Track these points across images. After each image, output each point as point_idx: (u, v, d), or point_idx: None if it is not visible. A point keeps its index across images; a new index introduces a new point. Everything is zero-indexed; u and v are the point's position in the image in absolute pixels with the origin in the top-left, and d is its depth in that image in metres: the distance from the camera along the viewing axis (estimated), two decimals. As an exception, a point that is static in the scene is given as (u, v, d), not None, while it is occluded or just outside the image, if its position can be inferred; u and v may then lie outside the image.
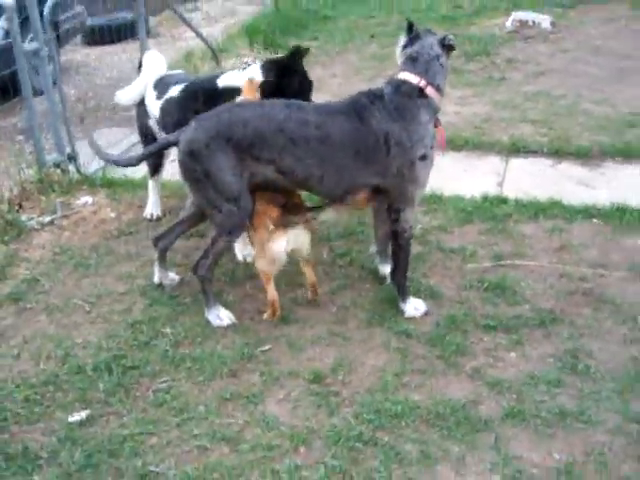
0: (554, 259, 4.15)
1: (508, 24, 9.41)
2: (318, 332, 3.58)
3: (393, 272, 3.75)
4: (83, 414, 3.07)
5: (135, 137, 6.30)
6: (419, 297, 3.79)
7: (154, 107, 4.34)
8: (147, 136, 4.57)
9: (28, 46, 4.99)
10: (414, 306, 3.69)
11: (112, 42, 10.06)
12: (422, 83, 3.48)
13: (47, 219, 4.79)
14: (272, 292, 3.60)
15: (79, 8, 9.53)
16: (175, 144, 3.51)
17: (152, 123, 4.46)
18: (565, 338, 3.47)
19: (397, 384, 3.20)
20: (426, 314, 3.67)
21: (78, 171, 5.44)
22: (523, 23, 9.35)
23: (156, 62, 4.57)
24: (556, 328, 3.55)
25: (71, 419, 3.05)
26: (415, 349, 3.44)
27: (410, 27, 3.61)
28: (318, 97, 4.33)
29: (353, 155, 3.43)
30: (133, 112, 7.24)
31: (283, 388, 3.21)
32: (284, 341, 3.52)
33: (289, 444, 2.89)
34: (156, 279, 3.99)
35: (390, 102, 3.46)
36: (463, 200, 4.87)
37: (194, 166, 3.41)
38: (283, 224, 3.45)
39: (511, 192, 4.98)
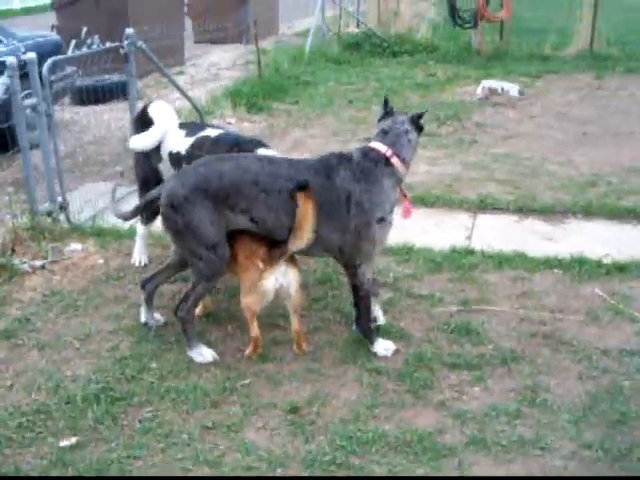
0: (516, 305, 4.45)
1: (478, 91, 9.93)
2: (295, 368, 3.82)
3: (357, 320, 4.02)
4: (73, 439, 3.27)
5: (122, 190, 6.62)
6: (389, 338, 4.05)
7: (180, 145, 4.58)
8: (149, 182, 4.75)
9: (27, 101, 5.29)
10: (383, 347, 3.94)
11: (98, 102, 10.43)
12: (388, 153, 3.75)
13: (38, 263, 5.02)
14: (255, 329, 3.84)
15: (69, 69, 9.93)
16: (158, 198, 3.78)
17: (163, 167, 4.74)
18: (525, 375, 3.74)
19: (368, 415, 3.44)
20: (396, 352, 3.92)
21: (68, 220, 5.69)
22: (492, 91, 9.88)
23: (167, 110, 4.87)
24: (517, 366, 3.82)
25: (61, 444, 3.25)
26: (385, 384, 3.68)
27: (385, 103, 3.94)
28: (296, 155, 4.67)
29: (318, 209, 3.64)
30: (118, 168, 7.67)
31: (262, 418, 3.43)
32: (263, 376, 3.75)
33: (267, 467, 3.11)
34: (142, 319, 4.21)
35: (357, 165, 3.73)
36: (433, 251, 5.18)
37: (175, 218, 3.66)
38: (271, 262, 3.71)
39: (478, 245, 5.31)
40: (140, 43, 6.82)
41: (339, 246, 3.80)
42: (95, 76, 10.83)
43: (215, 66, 13.60)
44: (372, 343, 3.93)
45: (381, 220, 3.75)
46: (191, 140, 4.57)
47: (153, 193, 3.88)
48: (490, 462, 3.14)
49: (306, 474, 3.05)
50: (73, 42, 6.73)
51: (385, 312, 4.31)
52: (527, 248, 5.19)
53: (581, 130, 8.31)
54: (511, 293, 4.60)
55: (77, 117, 10.59)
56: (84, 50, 6.79)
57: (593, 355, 3.89)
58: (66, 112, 10.84)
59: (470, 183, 6.67)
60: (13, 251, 5.17)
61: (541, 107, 9.45)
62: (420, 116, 3.90)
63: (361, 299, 3.92)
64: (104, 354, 3.96)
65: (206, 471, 3.08)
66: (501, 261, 5.00)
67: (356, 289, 3.91)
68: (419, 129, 3.90)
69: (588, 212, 5.91)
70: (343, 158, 3.78)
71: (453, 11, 12.98)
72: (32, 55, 5.35)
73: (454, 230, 5.68)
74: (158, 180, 4.69)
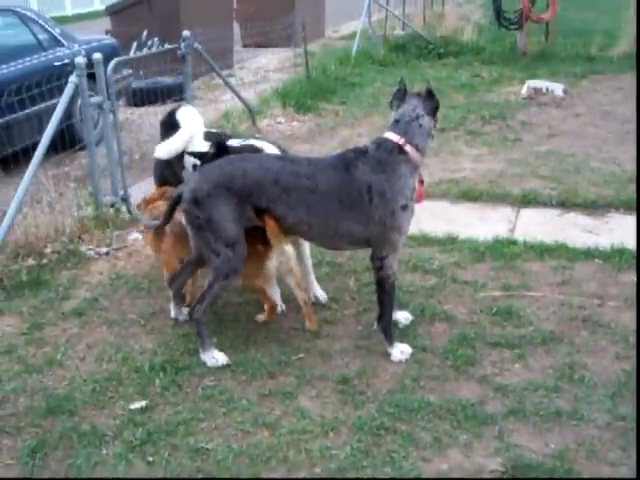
0: (557, 291, 4.63)
1: (523, 91, 10.07)
2: (345, 345, 4.08)
3: (379, 318, 4.01)
4: (143, 403, 3.57)
5: (178, 185, 6.96)
6: (434, 321, 4.29)
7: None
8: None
9: (93, 99, 5.66)
10: (400, 350, 3.94)
11: (152, 104, 10.85)
12: (401, 141, 3.78)
13: (103, 250, 5.37)
14: (270, 300, 4.23)
15: (125, 72, 10.36)
16: (180, 197, 3.85)
17: (187, 174, 4.68)
18: (564, 354, 3.94)
19: (414, 387, 3.69)
20: (441, 332, 4.16)
21: (129, 211, 6.04)
22: (537, 90, 10.00)
23: (194, 116, 4.79)
24: (556, 346, 4.02)
25: (132, 406, 3.56)
26: (430, 360, 3.92)
27: (399, 90, 3.93)
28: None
29: (338, 204, 3.74)
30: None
31: (314, 388, 3.70)
32: (315, 351, 4.02)
33: (320, 430, 3.37)
34: (172, 314, 4.39)
35: (373, 157, 3.77)
36: (476, 242, 5.39)
37: (197, 213, 3.73)
38: (269, 245, 3.97)
39: (520, 236, 5.49)
40: (196, 45, 7.18)
41: (366, 238, 3.86)
42: (149, 79, 11.28)
43: (263, 69, 13.95)
44: (391, 345, 3.95)
45: (404, 207, 3.79)
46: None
47: (177, 191, 3.95)
48: (529, 431, 3.35)
49: (356, 438, 3.30)
50: (135, 44, 7.11)
51: (430, 296, 4.55)
52: (568, 240, 5.36)
53: (625, 129, 8.41)
54: (552, 281, 4.78)
55: (132, 117, 11.01)
56: (145, 51, 7.11)
57: (630, 337, 4.06)
58: (121, 113, 11.31)
59: (514, 179, 6.84)
60: (80, 239, 5.53)
61: (585, 106, 9.56)
62: (430, 94, 3.88)
63: (386, 293, 3.94)
64: (168, 330, 4.27)
65: (264, 433, 3.35)
66: (542, 251, 5.18)
67: (382, 282, 3.93)
68: (434, 109, 3.90)
69: (629, 207, 6.03)
70: (359, 152, 3.84)
71: (498, 13, 13.13)
72: (99, 55, 5.71)
73: (497, 223, 5.87)
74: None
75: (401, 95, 3.91)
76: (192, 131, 4.70)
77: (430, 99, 3.89)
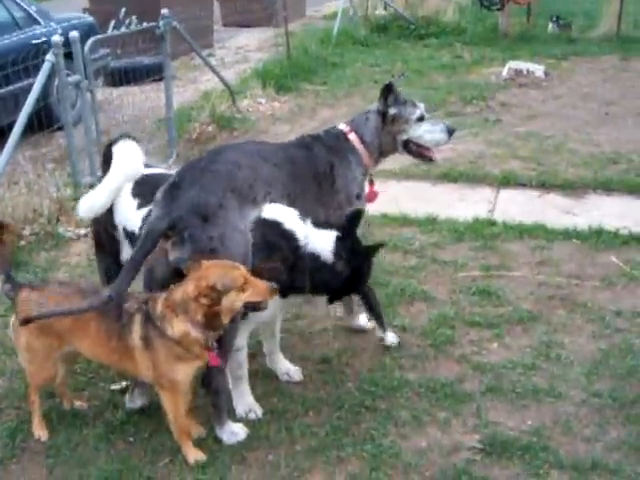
0: (535, 271, 4.68)
1: (504, 73, 10.07)
2: (325, 326, 4.10)
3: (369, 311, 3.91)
4: (123, 384, 3.57)
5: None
6: (414, 301, 4.32)
7: (132, 218, 3.43)
8: (104, 247, 3.69)
9: (71, 79, 5.60)
10: (393, 334, 3.93)
11: (130, 84, 10.75)
12: (346, 129, 3.68)
13: (82, 232, 5.34)
14: None
15: (103, 51, 10.24)
16: (171, 225, 2.99)
17: (120, 235, 3.55)
18: (541, 333, 3.99)
19: (394, 366, 3.72)
20: (420, 312, 4.19)
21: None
22: (518, 72, 10.01)
23: (131, 157, 3.58)
24: (534, 325, 4.07)
25: (113, 387, 3.56)
26: (410, 339, 3.95)
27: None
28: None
29: (310, 181, 3.49)
30: (151, 145, 7.96)
31: (295, 367, 3.71)
32: (296, 332, 4.04)
33: (301, 408, 3.40)
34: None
35: (325, 142, 3.62)
36: (456, 222, 5.42)
37: (210, 232, 3.00)
38: None
39: (500, 217, 5.52)
40: (175, 24, 7.11)
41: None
42: (127, 58, 11.16)
43: (243, 48, 13.84)
44: (384, 331, 3.88)
45: (358, 196, 3.65)
46: (141, 214, 3.39)
47: (153, 228, 3.01)
48: (506, 408, 3.40)
49: (336, 416, 3.33)
50: (112, 22, 7.03)
51: (411, 276, 4.58)
52: (547, 220, 5.40)
53: (604, 110, 8.45)
54: (530, 261, 4.82)
55: (110, 98, 10.89)
56: (123, 30, 7.04)
57: (607, 316, 4.11)
58: (100, 93, 11.19)
59: (493, 160, 6.86)
60: (58, 220, 5.50)
61: (566, 88, 9.59)
62: (385, 91, 3.68)
63: (366, 293, 3.79)
64: (148, 311, 4.26)
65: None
66: (522, 232, 5.22)
67: None
68: (386, 106, 3.69)
69: (608, 188, 6.09)
70: (314, 137, 3.68)
71: (480, -7, 13.10)
72: (75, 34, 5.64)
73: (477, 204, 5.89)
74: (113, 252, 3.63)
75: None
76: (127, 177, 3.54)
77: (383, 96, 3.69)
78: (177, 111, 7.75)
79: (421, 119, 3.74)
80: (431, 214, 5.52)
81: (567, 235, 5.16)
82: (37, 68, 5.60)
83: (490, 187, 6.25)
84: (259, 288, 2.88)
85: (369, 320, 4.05)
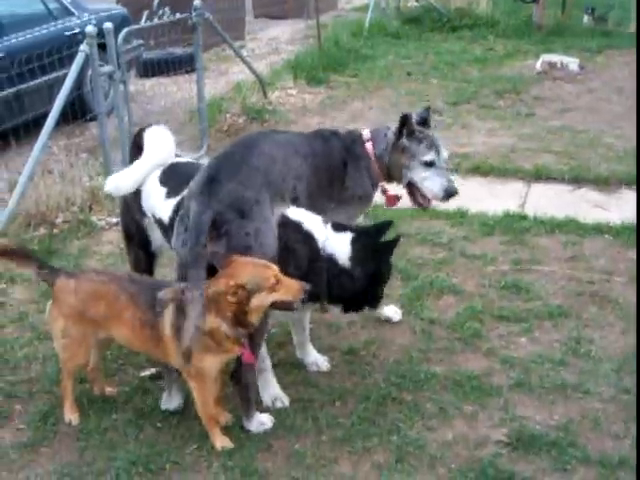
0: (566, 266, 4.64)
1: (538, 66, 9.96)
2: (353, 317, 4.08)
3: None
4: (153, 370, 3.62)
5: (187, 158, 6.96)
6: (442, 294, 4.32)
7: (160, 207, 3.45)
8: (133, 239, 3.75)
9: (104, 69, 5.66)
10: (394, 310, 4.03)
11: (162, 75, 10.82)
12: (366, 136, 3.66)
13: (114, 220, 5.40)
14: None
15: (135, 42, 10.32)
16: (213, 220, 2.96)
17: (149, 224, 3.59)
18: (571, 328, 3.95)
19: (421, 358, 3.72)
20: (449, 305, 4.19)
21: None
22: (552, 65, 9.89)
23: (163, 142, 3.62)
24: (563, 320, 4.03)
25: (142, 374, 3.61)
26: (438, 332, 3.95)
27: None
28: (357, 126, 4.83)
29: (324, 173, 3.47)
30: (183, 136, 8.02)
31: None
32: (324, 323, 4.05)
33: (327, 398, 3.42)
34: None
35: (343, 139, 3.62)
36: (486, 216, 5.39)
37: (247, 228, 2.98)
38: None
39: (531, 211, 5.48)
40: (207, 15, 7.14)
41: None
42: (159, 49, 11.25)
43: (275, 40, 13.85)
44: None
45: (360, 198, 3.65)
46: (172, 203, 3.41)
47: (199, 221, 2.95)
48: (533, 403, 3.38)
49: (362, 406, 3.34)
50: (145, 13, 7.08)
51: (439, 270, 4.57)
52: (579, 215, 5.35)
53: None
54: (561, 256, 4.78)
55: (143, 89, 11.00)
56: (155, 21, 7.08)
57: (637, 313, 4.06)
58: (132, 84, 11.29)
59: (526, 154, 6.80)
60: (91, 209, 5.57)
61: (600, 82, 9.45)
62: (404, 120, 3.61)
63: None
64: (177, 300, 4.30)
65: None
66: (553, 226, 5.18)
67: None
68: (399, 135, 3.62)
69: (642, 183, 6.01)
70: (332, 132, 3.69)
71: (514, -15, 12.96)
72: (109, 25, 5.69)
73: (508, 198, 5.85)
74: (143, 242, 3.71)
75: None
76: (157, 163, 3.57)
77: (402, 123, 3.62)
78: (208, 102, 7.78)
79: (430, 164, 3.60)
80: (461, 208, 5.48)
81: (599, 230, 5.10)
82: (71, 59, 5.65)
83: (522, 181, 6.20)
84: (291, 288, 2.87)
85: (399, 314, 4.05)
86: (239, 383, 3.15)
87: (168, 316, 3.00)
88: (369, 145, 3.65)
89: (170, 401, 3.35)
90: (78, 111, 6.36)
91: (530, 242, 4.97)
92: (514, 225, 5.21)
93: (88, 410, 3.37)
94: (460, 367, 3.63)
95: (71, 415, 3.32)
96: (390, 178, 3.74)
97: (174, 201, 3.37)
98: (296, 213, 3.25)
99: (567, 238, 5.02)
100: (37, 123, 5.72)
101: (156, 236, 3.61)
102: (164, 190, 3.45)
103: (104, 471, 3.02)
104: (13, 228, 5.11)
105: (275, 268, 2.88)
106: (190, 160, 3.86)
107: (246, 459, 3.05)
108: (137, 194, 3.54)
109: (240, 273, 2.83)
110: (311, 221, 3.24)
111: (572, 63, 9.92)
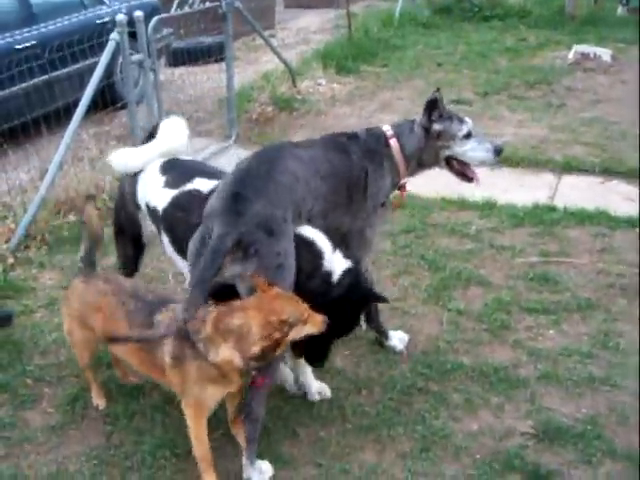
0: (595, 258, 4.59)
1: (570, 56, 9.84)
2: (381, 306, 4.08)
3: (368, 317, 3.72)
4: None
5: (216, 146, 7.01)
6: (469, 285, 4.29)
7: (156, 196, 3.36)
8: (124, 231, 3.68)
9: (134, 57, 5.69)
10: (398, 338, 3.78)
11: (192, 64, 10.86)
12: (389, 132, 3.46)
13: (143, 208, 5.43)
14: None
15: (166, 31, 10.37)
16: (238, 241, 2.76)
17: (141, 216, 3.51)
18: (600, 321, 3.91)
19: (448, 349, 3.71)
20: (476, 296, 4.16)
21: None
22: (584, 56, 9.76)
23: (178, 130, 3.63)
24: (592, 313, 3.99)
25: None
26: (465, 323, 3.93)
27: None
28: (386, 116, 4.82)
29: (343, 190, 3.25)
30: (212, 125, 8.05)
31: (348, 347, 3.73)
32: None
33: (353, 387, 3.43)
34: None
35: (364, 143, 3.39)
36: (515, 207, 5.34)
37: (276, 248, 2.81)
38: None
39: (561, 203, 5.42)
40: (237, 4, 7.15)
41: (345, 233, 3.34)
42: (190, 38, 11.28)
43: (305, 30, 13.83)
44: (387, 339, 3.76)
45: (383, 204, 3.47)
46: (170, 194, 3.32)
47: (221, 246, 2.74)
48: (560, 395, 3.35)
49: (387, 396, 3.34)
50: (176, 2, 7.10)
51: (467, 260, 4.55)
52: (610, 207, 5.28)
53: (675, 96, 8.19)
54: (591, 248, 4.73)
55: (172, 78, 11.04)
56: (186, 9, 7.11)
57: (669, 306, 4.02)
58: (161, 73, 11.35)
59: (556, 145, 6.73)
60: (121, 195, 5.60)
61: (634, 73, 9.30)
62: (430, 106, 3.43)
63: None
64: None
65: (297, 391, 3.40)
66: (583, 218, 5.12)
67: None
68: (430, 122, 3.44)
69: (675, 176, 5.92)
70: (351, 136, 3.43)
71: (547, -26, 12.79)
72: (140, 13, 5.72)
73: (538, 189, 5.79)
74: (135, 236, 3.65)
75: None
76: (167, 147, 3.55)
77: (429, 108, 3.44)
78: (238, 91, 7.80)
79: (468, 136, 3.47)
80: (490, 198, 5.45)
81: (630, 223, 5.04)
82: (101, 47, 5.69)
83: (552, 173, 6.14)
84: (317, 320, 2.73)
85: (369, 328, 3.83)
86: (249, 416, 2.89)
87: (168, 344, 2.77)
88: (394, 142, 3.45)
89: None
90: (108, 99, 6.40)
91: (559, 234, 4.93)
92: (543, 217, 5.16)
93: (116, 395, 3.41)
94: (487, 358, 3.62)
95: (99, 400, 3.36)
96: (419, 169, 3.59)
97: (171, 192, 3.29)
98: (310, 232, 3.08)
99: (597, 230, 4.96)
100: (68, 111, 5.77)
101: (147, 231, 3.55)
102: (163, 179, 3.37)
103: (131, 454, 3.06)
104: (43, 215, 5.16)
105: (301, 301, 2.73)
106: (195, 159, 3.80)
107: (272, 445, 3.07)
108: (134, 183, 3.49)
109: (279, 308, 2.62)
110: (322, 241, 3.07)
111: (605, 54, 9.77)
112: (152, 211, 3.37)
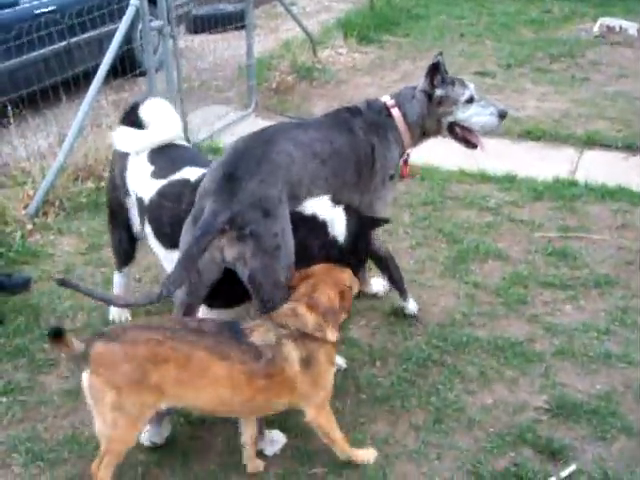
0: (615, 235, 4.54)
1: (595, 29, 9.66)
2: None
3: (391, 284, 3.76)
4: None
5: (235, 114, 6.98)
6: (487, 258, 4.27)
7: (142, 185, 3.30)
8: (117, 217, 3.62)
9: (154, 24, 5.65)
10: (414, 304, 3.79)
11: (212, 31, 10.79)
12: (390, 102, 3.40)
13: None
14: None
15: (186, -3, 10.30)
16: (230, 220, 2.70)
17: (130, 204, 3.46)
18: (618, 297, 3.88)
19: (464, 322, 3.70)
20: (493, 270, 4.14)
21: (187, 139, 6.08)
22: (610, 29, 9.58)
23: (168, 118, 3.50)
24: (610, 289, 3.96)
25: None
26: (482, 297, 3.92)
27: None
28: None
29: (352, 168, 3.20)
30: (231, 93, 8.01)
31: (364, 318, 3.75)
32: (366, 284, 4.04)
33: (368, 358, 3.44)
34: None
35: (367, 117, 3.33)
36: (535, 181, 5.29)
37: (273, 229, 2.76)
38: None
39: (582, 178, 5.35)
40: (259, -30, 7.06)
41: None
42: (210, 5, 11.20)
43: (326, -2, 13.69)
44: (405, 300, 3.77)
45: (392, 177, 3.40)
46: (157, 184, 3.24)
47: (212, 223, 2.70)
48: (576, 371, 3.34)
49: (402, 368, 3.35)
50: (197, -32, 7.04)
51: (485, 234, 4.51)
52: (632, 184, 5.21)
53: (701, 71, 8.04)
54: (611, 224, 4.68)
55: (192, 45, 10.98)
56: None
57: (689, 284, 3.97)
58: (181, 40, 11.28)
59: (579, 119, 6.64)
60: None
61: (660, 47, 9.14)
62: (432, 70, 3.36)
63: (385, 261, 3.64)
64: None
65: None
66: (604, 194, 5.06)
67: (375, 257, 3.60)
68: (432, 87, 3.37)
69: (699, 152, 5.83)
70: (354, 111, 3.36)
71: (574, -55, 12.50)
72: (160, -21, 5.67)
73: (559, 164, 5.72)
74: (125, 222, 3.59)
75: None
76: (168, 134, 3.44)
77: (431, 72, 3.37)
78: (257, 60, 7.74)
79: (470, 101, 3.39)
80: (510, 172, 5.40)
81: (652, 200, 4.98)
82: (121, 13, 5.65)
83: (573, 147, 6.06)
84: (355, 279, 2.96)
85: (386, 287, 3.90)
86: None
87: (292, 352, 2.61)
88: (396, 112, 3.38)
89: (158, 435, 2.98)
90: (127, 66, 6.37)
91: (580, 209, 4.88)
92: (564, 191, 5.11)
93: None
94: (503, 332, 3.60)
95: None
96: (422, 138, 3.53)
97: (158, 183, 3.21)
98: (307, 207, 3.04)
99: (618, 206, 4.90)
100: (87, 77, 5.75)
101: (135, 215, 3.46)
102: (151, 169, 3.29)
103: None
104: (62, 181, 5.18)
105: None
106: (186, 144, 3.67)
107: (284, 416, 3.07)
108: (123, 170, 3.42)
109: (339, 277, 2.84)
110: (321, 211, 3.06)
111: (631, 27, 9.57)
112: (139, 202, 3.31)
